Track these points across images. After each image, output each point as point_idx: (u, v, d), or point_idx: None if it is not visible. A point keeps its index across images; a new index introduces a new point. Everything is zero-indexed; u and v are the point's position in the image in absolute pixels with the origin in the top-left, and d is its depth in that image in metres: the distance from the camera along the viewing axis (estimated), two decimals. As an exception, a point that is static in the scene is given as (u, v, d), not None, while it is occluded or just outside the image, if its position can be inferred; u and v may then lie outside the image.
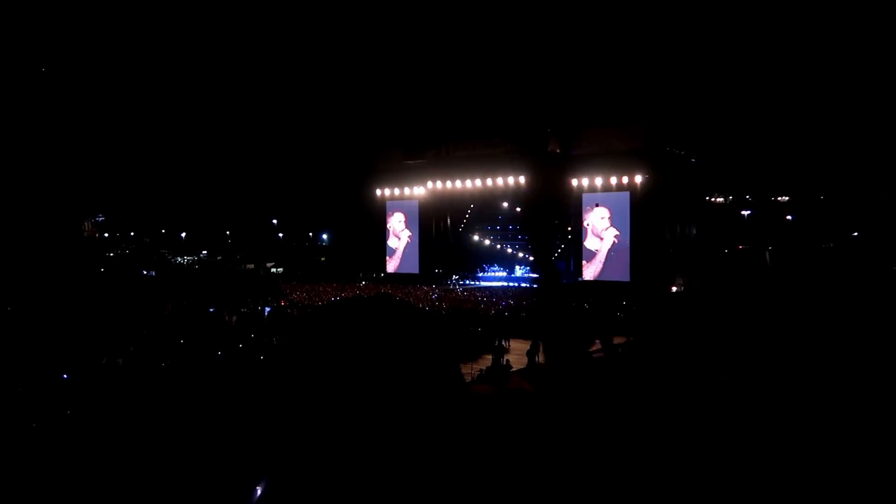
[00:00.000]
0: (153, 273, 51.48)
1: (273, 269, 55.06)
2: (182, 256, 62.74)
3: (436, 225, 48.28)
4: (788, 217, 39.03)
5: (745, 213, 39.78)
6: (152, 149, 45.95)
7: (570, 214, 41.68)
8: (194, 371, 15.11)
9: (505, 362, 18.13)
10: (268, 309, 28.90)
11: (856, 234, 37.82)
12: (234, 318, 25.74)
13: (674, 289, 35.98)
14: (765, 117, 34.75)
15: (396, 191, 48.70)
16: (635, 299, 31.02)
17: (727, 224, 39.50)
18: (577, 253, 40.76)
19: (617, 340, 22.39)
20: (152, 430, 10.94)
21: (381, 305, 1.09)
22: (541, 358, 18.94)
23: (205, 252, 61.46)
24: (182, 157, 48.49)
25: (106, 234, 60.95)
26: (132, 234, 62.21)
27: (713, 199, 40.53)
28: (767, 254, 38.05)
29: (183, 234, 63.02)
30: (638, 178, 37.74)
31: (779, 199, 39.31)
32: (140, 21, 35.34)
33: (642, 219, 37.70)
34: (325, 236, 58.82)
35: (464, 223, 49.84)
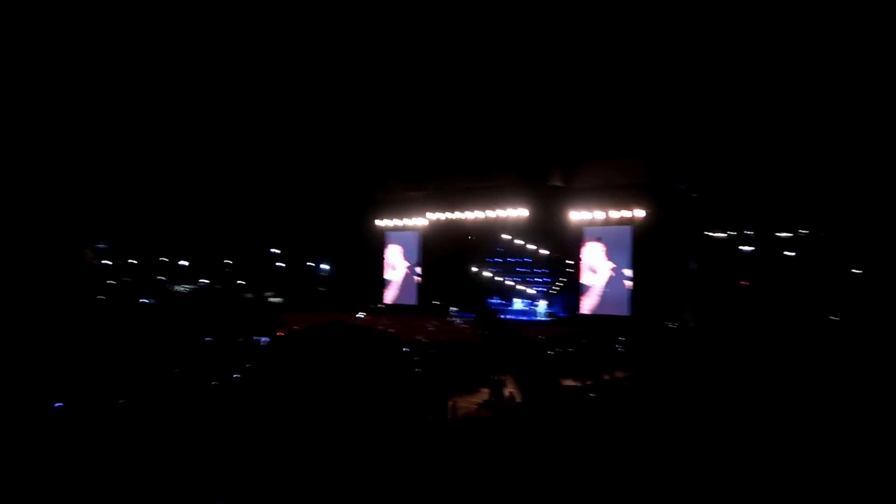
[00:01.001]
0: (152, 301, 51.30)
1: (272, 299, 54.85)
2: (181, 285, 62.60)
3: (435, 256, 48.26)
4: (790, 253, 38.97)
5: (746, 248, 39.73)
6: (153, 177, 46.16)
7: (570, 248, 41.69)
8: (186, 401, 14.94)
9: (508, 395, 17.96)
10: (265, 339, 28.66)
11: (858, 271, 37.72)
12: (227, 346, 25.56)
13: (674, 324, 35.78)
14: (766, 153, 34.92)
15: (396, 221, 48.80)
16: (635, 334, 30.85)
17: (728, 259, 39.43)
18: (577, 287, 40.67)
19: (619, 375, 22.18)
20: (142, 457, 10.75)
21: (335, 331, 1.09)
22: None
23: (204, 281, 61.35)
24: (182, 185, 48.70)
25: (108, 262, 60.89)
26: (132, 262, 62.16)
27: (714, 235, 40.53)
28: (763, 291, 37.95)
29: (183, 263, 62.98)
30: (638, 212, 37.83)
31: (779, 234, 39.29)
32: (137, 48, 35.75)
33: (642, 253, 37.69)
34: (324, 266, 58.79)
35: (463, 255, 49.78)
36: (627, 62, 32.99)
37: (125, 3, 32.16)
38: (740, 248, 39.74)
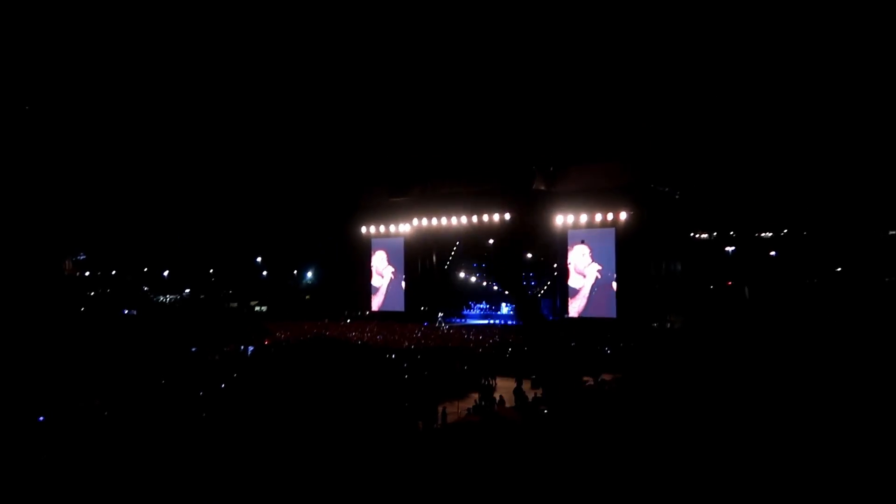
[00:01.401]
0: (134, 312, 50.72)
1: (257, 308, 54.48)
2: (164, 295, 61.98)
3: (421, 262, 48.16)
4: (772, 253, 39.35)
5: (729, 249, 40.08)
6: (135, 185, 45.70)
7: (555, 252, 41.80)
8: (174, 411, 14.75)
9: (498, 399, 17.92)
10: (251, 348, 28.44)
11: (839, 269, 38.17)
12: (217, 357, 25.30)
13: (659, 324, 35.97)
14: (748, 154, 35.27)
15: (382, 228, 48.67)
16: (621, 336, 30.94)
17: (712, 260, 39.74)
18: (562, 290, 40.76)
19: (606, 377, 22.15)
20: (128, 468, 10.57)
21: (317, 345, 1.09)
22: (528, 394, 18.73)
23: (188, 290, 60.78)
24: (164, 193, 48.27)
25: (87, 273, 60.16)
26: (113, 272, 61.46)
27: (697, 236, 40.83)
28: (747, 290, 38.26)
29: (166, 273, 62.36)
30: (622, 215, 38.03)
31: (762, 235, 39.68)
32: (125, 59, 35.43)
33: (627, 255, 37.87)
34: (309, 274, 58.47)
35: (449, 260, 49.75)
36: (608, 67, 33.22)
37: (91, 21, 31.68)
38: (724, 248, 40.09)
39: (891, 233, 37.20)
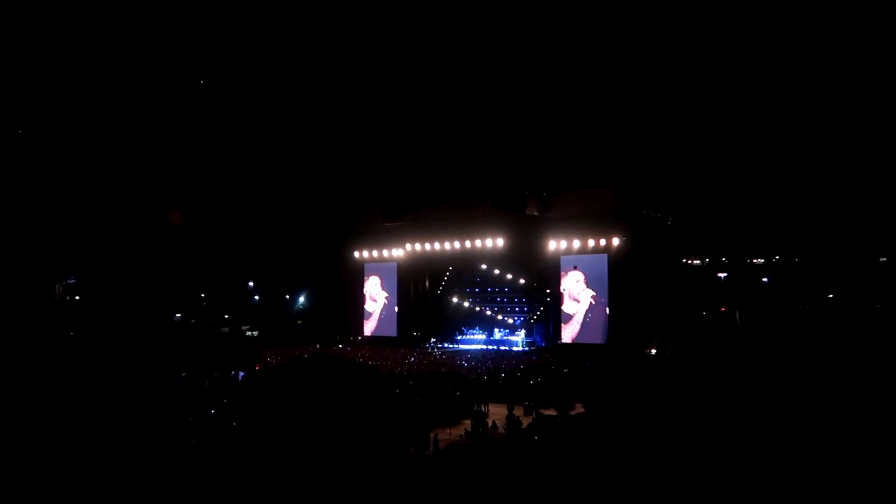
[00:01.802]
0: (125, 335, 50.17)
1: (249, 333, 54.06)
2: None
3: (414, 287, 48.09)
4: (764, 279, 39.46)
5: (722, 275, 40.16)
6: (124, 209, 45.50)
7: (548, 277, 41.81)
8: (162, 439, 14.51)
9: (491, 424, 17.77)
10: (242, 373, 28.14)
11: (831, 295, 38.27)
12: (207, 382, 25.03)
13: (651, 351, 35.87)
14: (741, 180, 35.52)
15: (375, 253, 48.64)
16: (610, 362, 30.87)
17: (704, 286, 39.79)
18: (556, 316, 40.69)
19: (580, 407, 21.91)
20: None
21: (320, 362, 1.04)
22: (523, 420, 18.57)
23: (178, 315, 60.32)
24: (154, 217, 48.09)
25: (77, 297, 59.66)
26: (102, 296, 60.93)
27: (690, 261, 40.94)
28: (738, 315, 38.29)
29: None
30: (615, 241, 38.15)
31: (754, 261, 39.82)
32: (101, 89, 35.39)
33: (619, 281, 37.92)
34: (301, 299, 58.19)
35: (442, 285, 49.67)
36: (600, 92, 33.50)
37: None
38: (717, 274, 40.18)
39: (882, 259, 37.42)
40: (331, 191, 45.60)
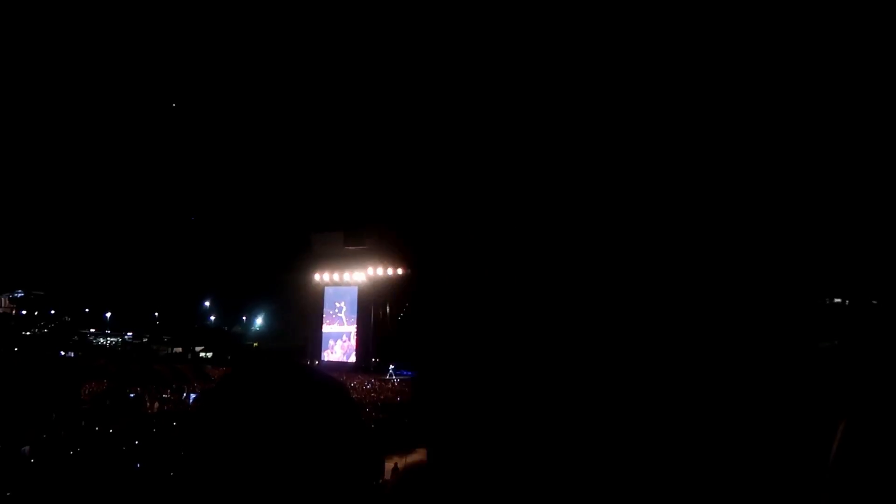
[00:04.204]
0: (72, 354, 48.66)
1: (202, 354, 52.95)
2: (105, 337, 59.76)
3: (374, 312, 47.76)
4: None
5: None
6: (79, 221, 44.47)
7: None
8: (107, 461, 14.06)
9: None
10: (192, 395, 27.53)
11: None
12: (156, 404, 24.43)
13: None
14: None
15: (336, 276, 48.26)
16: None
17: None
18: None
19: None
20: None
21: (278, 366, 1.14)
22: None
23: (130, 334, 58.75)
24: (110, 233, 47.10)
25: (23, 311, 57.79)
26: (52, 311, 59.14)
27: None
28: None
29: (107, 314, 60.29)
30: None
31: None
32: (74, 101, 34.87)
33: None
34: (258, 321, 57.30)
35: (403, 313, 49.48)
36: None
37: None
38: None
39: (828, 301, 38.62)
40: (292, 212, 45.34)
